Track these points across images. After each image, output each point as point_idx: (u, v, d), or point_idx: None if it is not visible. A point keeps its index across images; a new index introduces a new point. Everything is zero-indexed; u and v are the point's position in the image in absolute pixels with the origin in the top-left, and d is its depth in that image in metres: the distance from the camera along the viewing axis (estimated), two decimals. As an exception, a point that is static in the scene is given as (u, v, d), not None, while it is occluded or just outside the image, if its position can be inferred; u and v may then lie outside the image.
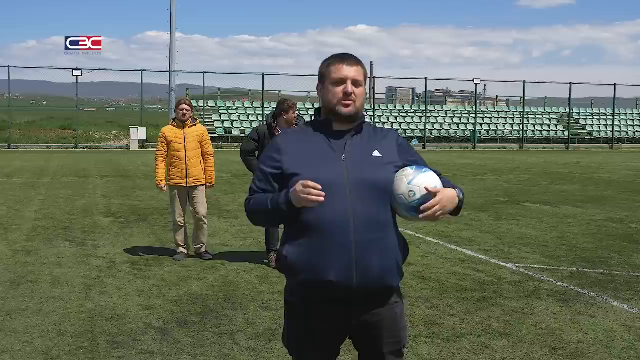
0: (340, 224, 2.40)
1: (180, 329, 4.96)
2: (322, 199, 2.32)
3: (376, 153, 2.51)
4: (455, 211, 2.51)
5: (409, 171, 2.49)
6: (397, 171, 2.51)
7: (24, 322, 5.04)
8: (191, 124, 7.38)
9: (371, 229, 2.43)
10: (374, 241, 2.44)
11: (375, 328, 2.54)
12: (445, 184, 2.52)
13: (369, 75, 2.70)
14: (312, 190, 2.32)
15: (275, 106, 7.46)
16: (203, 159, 7.45)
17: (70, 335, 4.76)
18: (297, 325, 2.55)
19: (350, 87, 2.48)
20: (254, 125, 38.74)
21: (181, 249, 7.43)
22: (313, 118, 2.65)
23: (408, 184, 2.44)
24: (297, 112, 7.07)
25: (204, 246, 7.46)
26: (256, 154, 7.17)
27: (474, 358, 4.42)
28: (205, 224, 7.44)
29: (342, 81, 2.49)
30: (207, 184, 7.51)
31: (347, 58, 2.53)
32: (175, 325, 5.05)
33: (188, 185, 7.34)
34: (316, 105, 2.84)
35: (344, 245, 2.40)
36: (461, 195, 2.50)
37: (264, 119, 7.48)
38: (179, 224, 7.40)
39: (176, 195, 7.39)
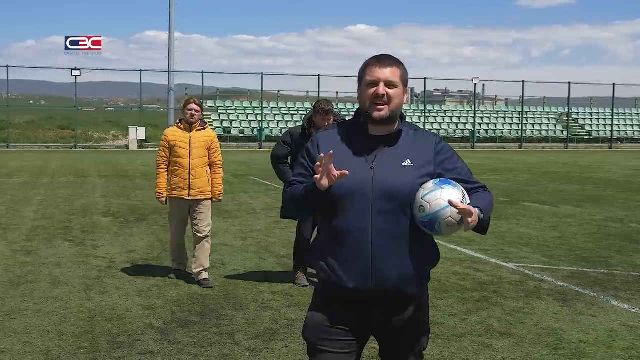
0: (359, 231, 2.41)
1: (180, 329, 4.95)
2: (346, 172, 2.33)
3: (407, 162, 2.45)
4: (481, 230, 2.46)
5: (428, 185, 2.40)
6: (427, 181, 2.42)
7: (24, 323, 5.03)
8: (199, 128, 6.36)
9: (390, 238, 2.42)
10: (393, 251, 2.43)
11: (394, 332, 2.56)
12: (477, 200, 2.42)
13: (408, 76, 2.64)
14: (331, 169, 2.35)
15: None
16: (210, 169, 6.38)
17: (70, 336, 4.75)
18: (318, 320, 2.56)
19: (382, 89, 2.43)
20: (253, 125, 38.75)
21: (177, 266, 6.53)
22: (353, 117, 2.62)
23: (421, 198, 2.38)
24: (332, 118, 6.07)
25: (205, 272, 6.33)
26: (289, 160, 6.33)
27: (475, 358, 4.42)
28: (208, 242, 6.42)
29: (374, 83, 2.44)
30: (214, 199, 6.45)
31: (382, 59, 2.48)
32: (175, 325, 5.04)
33: (190, 199, 6.27)
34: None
35: (361, 253, 2.42)
36: (481, 216, 2.39)
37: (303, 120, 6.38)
38: (178, 242, 6.48)
39: (176, 209, 6.38)
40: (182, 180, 6.25)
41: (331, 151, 2.36)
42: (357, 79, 2.55)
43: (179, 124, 6.43)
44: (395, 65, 2.47)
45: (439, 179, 2.43)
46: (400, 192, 2.41)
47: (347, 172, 2.34)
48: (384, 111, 2.44)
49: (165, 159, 6.37)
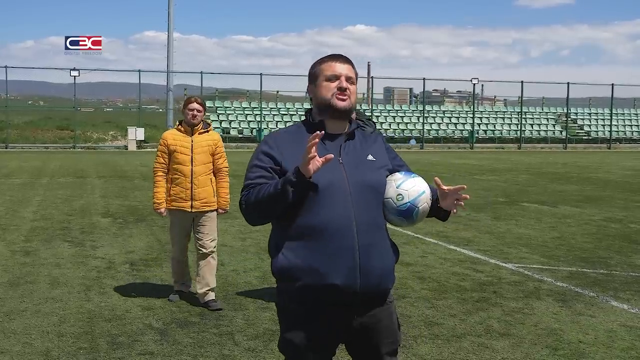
0: (343, 227, 2.39)
1: (180, 329, 4.95)
2: (331, 155, 2.33)
3: (370, 157, 2.54)
4: (446, 216, 2.58)
5: (398, 176, 2.53)
6: (388, 175, 2.55)
7: (23, 323, 5.02)
8: (202, 130, 5.64)
9: (371, 232, 2.44)
10: (374, 244, 2.45)
11: (373, 330, 2.54)
12: (433, 191, 2.56)
13: (358, 76, 2.71)
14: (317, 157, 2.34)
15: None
16: (215, 176, 5.67)
17: (69, 336, 4.75)
18: (296, 330, 2.49)
19: (344, 83, 2.50)
20: (252, 125, 38.78)
21: (179, 287, 5.83)
22: (304, 119, 2.61)
23: (397, 187, 2.48)
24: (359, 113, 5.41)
25: (211, 292, 5.61)
26: None
27: (475, 358, 4.42)
28: (214, 259, 5.68)
29: (335, 77, 2.50)
30: (220, 210, 5.71)
31: (339, 57, 2.57)
32: (175, 325, 5.04)
33: (193, 211, 5.55)
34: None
35: (347, 249, 2.39)
36: None
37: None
38: (179, 260, 5.77)
39: (177, 223, 5.66)
40: (183, 190, 5.52)
41: (323, 131, 2.37)
42: (308, 78, 2.59)
43: (179, 126, 5.69)
44: (350, 64, 2.56)
45: (403, 171, 2.57)
46: (374, 184, 2.48)
47: (332, 155, 2.33)
48: (347, 102, 2.50)
49: (164, 165, 5.61)
